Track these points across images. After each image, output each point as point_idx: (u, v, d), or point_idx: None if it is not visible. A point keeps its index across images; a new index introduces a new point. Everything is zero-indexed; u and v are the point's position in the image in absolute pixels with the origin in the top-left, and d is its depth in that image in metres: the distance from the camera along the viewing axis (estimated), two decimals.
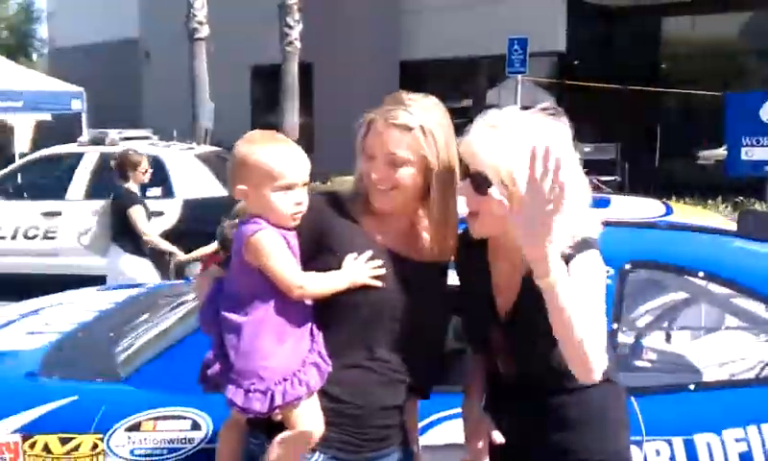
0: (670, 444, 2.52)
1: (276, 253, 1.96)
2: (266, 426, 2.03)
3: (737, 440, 2.51)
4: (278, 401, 1.94)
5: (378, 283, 2.03)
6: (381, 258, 2.08)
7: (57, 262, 8.77)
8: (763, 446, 2.50)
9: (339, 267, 2.04)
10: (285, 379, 1.95)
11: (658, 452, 2.52)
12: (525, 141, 1.87)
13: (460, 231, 2.18)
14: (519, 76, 12.31)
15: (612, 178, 12.94)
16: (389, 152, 2.03)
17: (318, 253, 2.06)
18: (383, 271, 2.04)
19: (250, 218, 2.01)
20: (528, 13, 15.69)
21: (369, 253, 2.05)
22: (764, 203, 11.93)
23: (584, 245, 1.94)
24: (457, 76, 19.43)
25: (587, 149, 14.50)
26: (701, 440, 2.52)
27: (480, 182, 1.96)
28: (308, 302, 2.02)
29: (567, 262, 1.88)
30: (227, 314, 2.00)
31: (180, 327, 2.98)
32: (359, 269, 2.02)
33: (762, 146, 11.16)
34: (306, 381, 1.97)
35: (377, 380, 2.05)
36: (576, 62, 16.98)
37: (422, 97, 2.09)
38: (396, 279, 2.08)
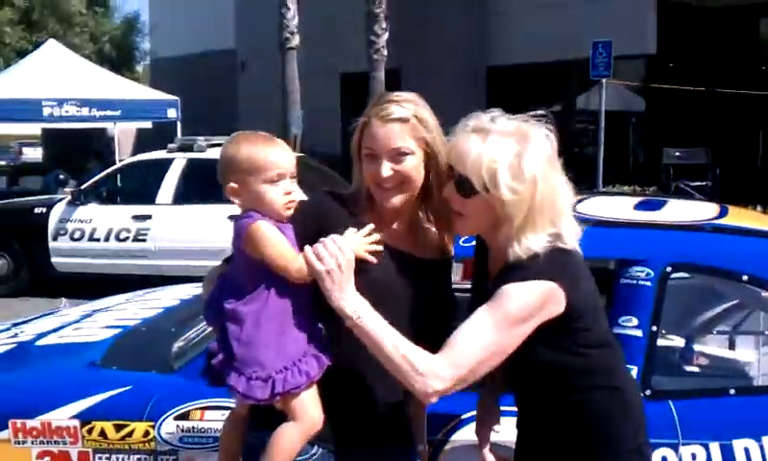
0: (707, 448, 2.48)
1: (273, 240, 2.02)
2: (269, 420, 2.09)
3: None
4: (279, 389, 2.02)
5: (373, 259, 2.04)
6: (383, 254, 2.11)
7: (146, 263, 9.14)
8: None
9: None
10: (286, 368, 2.03)
11: (694, 456, 2.48)
12: (508, 147, 1.94)
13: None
14: (604, 79, 12.08)
15: (703, 183, 12.56)
16: (393, 147, 2.08)
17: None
18: (380, 247, 2.06)
19: (244, 213, 2.09)
20: (617, 15, 15.37)
21: (369, 227, 2.07)
22: None
23: (525, 271, 1.93)
24: (545, 80, 19.22)
25: (676, 153, 14.15)
26: (739, 445, 2.47)
27: (464, 186, 1.99)
28: (308, 293, 2.07)
29: (503, 276, 1.93)
30: (229, 306, 2.07)
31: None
32: (358, 241, 2.03)
33: None
34: (306, 371, 2.04)
35: (379, 375, 2.06)
36: (670, 65, 16.56)
37: (406, 93, 2.17)
38: (399, 275, 2.13)
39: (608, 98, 12.62)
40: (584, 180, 15.14)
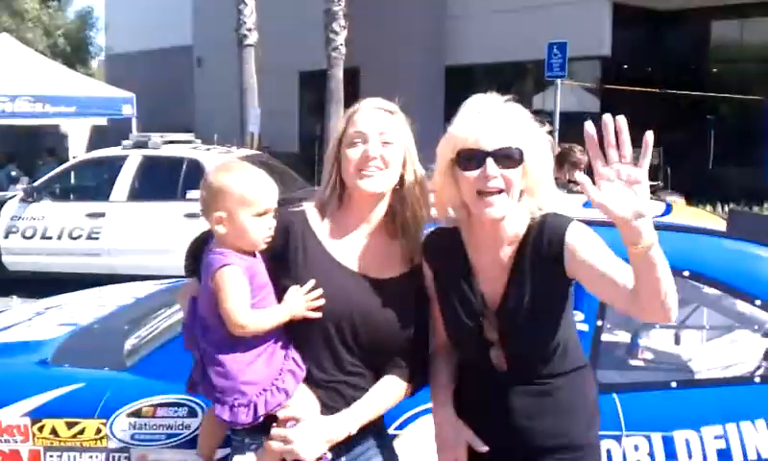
0: (649, 439, 2.56)
1: (233, 291, 2.05)
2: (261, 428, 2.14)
3: (716, 437, 2.54)
4: (261, 411, 2.09)
5: (317, 315, 2.11)
6: (344, 277, 2.17)
7: (99, 262, 9.05)
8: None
9: (302, 285, 2.14)
10: (265, 390, 2.09)
11: (636, 448, 2.56)
12: (521, 121, 2.06)
13: (431, 231, 2.26)
14: (559, 80, 12.25)
15: (655, 182, 12.78)
16: (383, 130, 2.16)
17: (282, 272, 2.16)
18: (322, 301, 2.11)
19: (216, 248, 2.11)
20: (573, 18, 15.60)
21: (311, 283, 2.13)
22: None
23: (564, 218, 2.09)
24: (503, 81, 19.36)
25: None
26: (680, 436, 2.55)
27: (509, 156, 2.02)
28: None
29: (558, 234, 2.04)
30: (202, 339, 2.15)
31: (182, 321, 3.11)
32: (298, 301, 2.11)
33: None
34: (284, 389, 2.10)
35: (350, 395, 2.16)
36: (625, 67, 16.82)
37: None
38: (361, 297, 2.17)
39: (563, 98, 12.79)
40: None
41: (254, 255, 2.14)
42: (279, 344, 2.14)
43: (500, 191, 2.02)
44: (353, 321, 2.15)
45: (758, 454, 2.54)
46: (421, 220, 2.25)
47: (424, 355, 2.29)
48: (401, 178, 2.20)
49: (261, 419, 2.09)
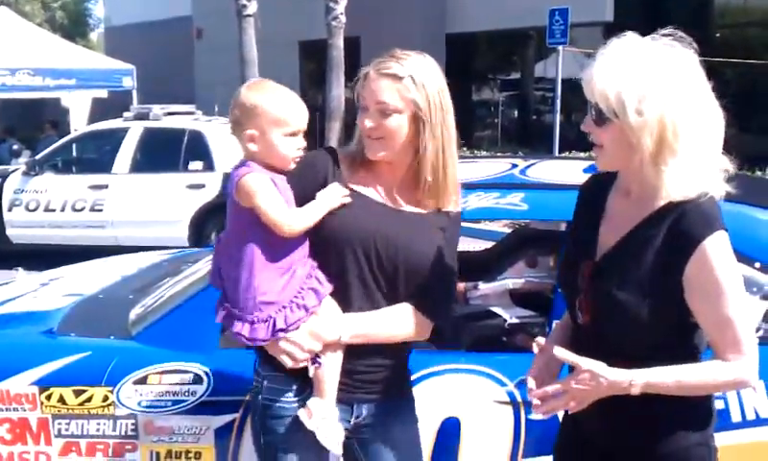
0: None
1: (265, 192, 2.09)
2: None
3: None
4: (280, 325, 2.12)
5: (348, 199, 2.16)
6: (368, 204, 2.20)
7: (103, 234, 9.08)
8: None
9: (320, 222, 2.15)
10: (284, 307, 2.13)
11: None
12: (638, 70, 1.81)
13: (592, 174, 2.19)
14: (560, 47, 12.16)
15: None
16: (379, 100, 2.12)
17: (308, 201, 2.17)
18: (350, 199, 2.16)
19: (243, 162, 2.16)
20: None
21: (335, 187, 2.17)
22: None
23: (711, 221, 1.83)
24: (505, 48, 19.29)
25: None
26: None
27: (596, 114, 1.89)
28: (301, 236, 2.15)
29: (690, 239, 1.82)
30: (225, 259, 2.18)
31: (186, 289, 3.14)
32: (329, 194, 2.15)
33: None
34: (304, 305, 2.13)
35: None
36: (625, 33, 16.67)
37: (417, 53, 2.18)
38: (384, 227, 2.18)
39: (565, 66, 12.71)
40: (541, 146, 15.29)
41: (282, 176, 2.17)
42: (303, 262, 2.17)
43: (595, 146, 1.93)
44: (376, 244, 2.16)
45: (757, 414, 2.58)
46: (447, 179, 2.20)
47: (447, 299, 2.29)
48: (416, 126, 2.14)
49: (280, 335, 2.12)
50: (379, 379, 2.25)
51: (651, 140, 1.81)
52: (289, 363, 2.16)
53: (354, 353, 2.20)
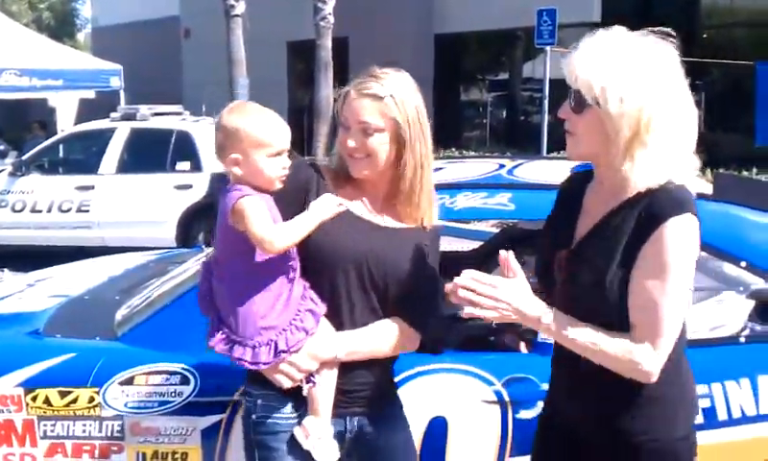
0: None
1: (256, 214, 2.08)
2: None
3: (702, 396, 2.57)
4: (282, 347, 2.12)
5: (343, 207, 2.14)
6: (356, 222, 2.21)
7: (90, 235, 9.04)
8: None
9: (310, 242, 2.15)
10: (284, 329, 2.13)
11: None
12: (623, 61, 1.85)
13: (571, 174, 2.22)
14: (548, 47, 12.19)
15: None
16: (361, 120, 2.14)
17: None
18: (345, 208, 2.15)
19: (233, 186, 2.14)
20: None
21: (330, 197, 2.16)
22: None
23: (680, 203, 1.85)
24: (493, 49, 19.33)
25: None
26: None
27: (576, 100, 1.92)
28: (292, 256, 2.15)
29: (656, 218, 1.84)
30: (219, 285, 2.17)
31: (173, 290, 3.13)
32: (323, 205, 2.13)
33: None
34: (303, 327, 2.14)
35: None
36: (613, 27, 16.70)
37: (395, 71, 2.21)
38: (372, 244, 2.20)
39: (553, 66, 12.73)
40: (530, 146, 15.33)
41: (269, 196, 2.17)
42: (297, 285, 2.17)
43: (568, 133, 1.97)
44: (368, 262, 2.18)
45: (743, 412, 2.59)
46: (426, 194, 2.24)
47: (434, 311, 2.30)
48: (399, 157, 2.18)
49: (282, 357, 2.13)
50: (369, 392, 2.27)
51: (627, 131, 1.85)
52: (286, 384, 2.16)
53: (344, 369, 2.22)
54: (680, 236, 1.83)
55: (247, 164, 2.12)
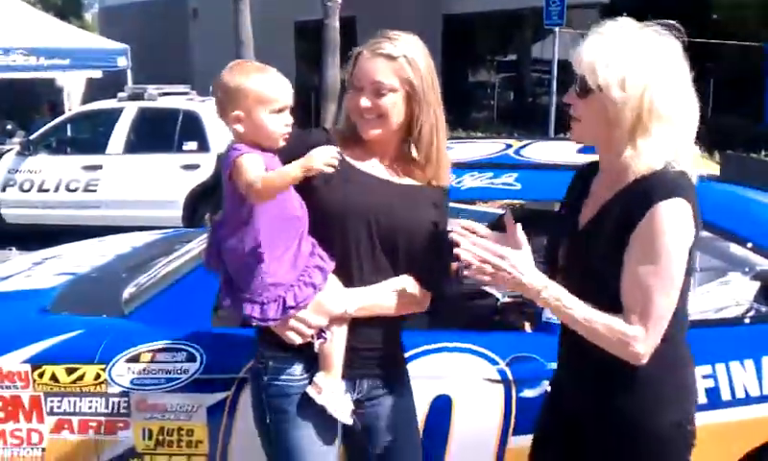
0: None
1: (248, 165, 2.07)
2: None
3: (705, 376, 2.58)
4: (290, 303, 2.14)
5: (330, 168, 2.09)
6: (364, 179, 2.22)
7: (97, 214, 9.06)
8: None
9: (320, 198, 2.17)
10: (293, 286, 2.14)
11: None
12: (626, 48, 1.88)
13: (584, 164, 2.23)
14: (557, 28, 12.13)
15: None
16: (374, 80, 2.15)
17: (304, 184, 2.16)
18: (336, 161, 2.10)
19: (233, 146, 2.14)
20: None
21: (330, 147, 2.13)
22: None
23: (672, 188, 1.86)
24: (501, 29, 19.25)
25: None
26: None
27: (581, 86, 1.95)
28: (299, 213, 2.16)
29: (645, 203, 1.85)
30: (227, 243, 2.17)
31: (180, 268, 3.14)
32: (316, 153, 2.09)
33: None
34: (312, 283, 2.15)
35: None
36: (624, 14, 16.61)
37: (406, 34, 2.23)
38: (381, 199, 2.21)
39: (561, 47, 12.68)
40: (537, 128, 15.28)
41: (273, 154, 2.16)
42: (305, 243, 2.18)
43: (573, 118, 2.00)
44: (377, 218, 2.18)
45: (746, 392, 2.59)
46: (441, 153, 2.26)
47: (445, 270, 2.31)
48: (412, 117, 2.20)
49: (291, 313, 2.14)
50: (378, 355, 2.29)
51: (630, 117, 1.88)
52: (297, 340, 2.17)
53: (354, 331, 2.23)
54: (669, 220, 1.84)
55: (249, 121, 2.12)
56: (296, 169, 2.08)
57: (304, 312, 2.16)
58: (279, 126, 2.14)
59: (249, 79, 2.13)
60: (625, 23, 1.94)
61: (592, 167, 2.14)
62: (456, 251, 1.95)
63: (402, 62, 2.16)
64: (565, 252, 2.07)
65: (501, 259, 1.91)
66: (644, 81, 1.87)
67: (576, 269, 2.01)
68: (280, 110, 2.14)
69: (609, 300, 1.91)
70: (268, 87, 2.13)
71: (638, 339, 1.87)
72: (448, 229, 1.98)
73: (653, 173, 1.89)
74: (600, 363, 1.94)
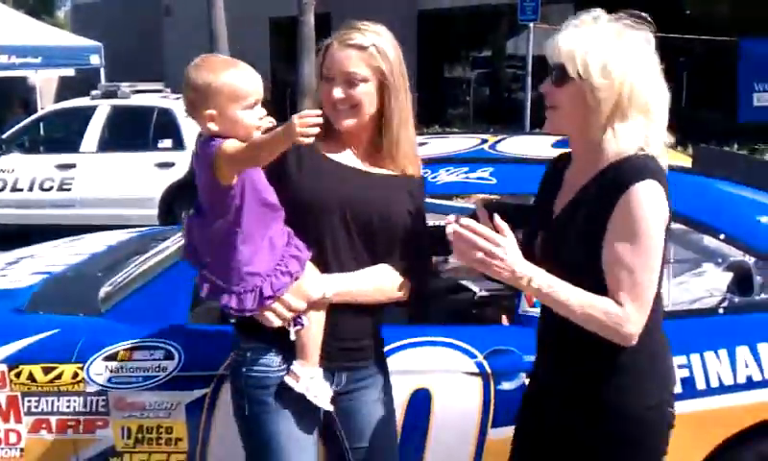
0: None
1: (236, 143, 2.07)
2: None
3: (681, 366, 2.61)
4: (267, 293, 2.14)
5: (320, 119, 1.99)
6: (339, 170, 2.23)
7: (71, 213, 8.99)
8: None
9: (295, 190, 2.18)
10: (269, 275, 2.14)
11: None
12: (604, 36, 1.92)
13: (555, 157, 2.26)
14: (531, 24, 12.17)
15: None
16: (346, 71, 2.17)
17: (279, 176, 2.18)
18: (317, 130, 2.00)
19: (207, 140, 2.11)
20: None
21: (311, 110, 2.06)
22: None
23: (643, 170, 1.90)
24: (476, 25, 19.26)
25: None
26: None
27: (558, 75, 1.98)
28: (274, 202, 2.16)
29: (619, 186, 1.88)
30: (203, 235, 2.17)
31: (156, 266, 3.13)
32: (296, 118, 1.97)
33: None
34: (288, 271, 2.15)
35: None
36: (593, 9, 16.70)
37: (374, 24, 2.26)
38: (357, 188, 2.22)
39: (536, 43, 12.71)
40: (513, 123, 15.34)
41: None
42: (281, 230, 2.18)
43: (548, 109, 2.02)
44: (353, 207, 2.20)
45: (720, 382, 2.63)
46: (410, 142, 2.29)
47: (423, 258, 2.34)
48: (383, 107, 2.22)
49: (268, 303, 2.14)
50: (357, 348, 2.30)
51: (610, 103, 1.92)
52: (276, 322, 2.17)
53: (333, 324, 2.24)
54: (644, 200, 1.87)
55: (223, 119, 2.09)
56: (279, 131, 2.02)
57: (284, 294, 2.16)
58: (254, 119, 2.13)
59: (218, 76, 2.09)
60: (598, 15, 1.98)
61: (564, 158, 2.17)
62: (448, 232, 1.93)
63: (373, 51, 2.18)
64: (541, 242, 2.09)
65: (496, 246, 1.91)
66: (624, 68, 1.91)
67: (553, 258, 2.02)
68: (254, 104, 2.12)
69: (587, 287, 1.92)
70: (239, 83, 2.10)
71: (630, 319, 1.89)
72: (443, 224, 1.98)
73: (625, 158, 1.93)
74: (580, 347, 1.97)
